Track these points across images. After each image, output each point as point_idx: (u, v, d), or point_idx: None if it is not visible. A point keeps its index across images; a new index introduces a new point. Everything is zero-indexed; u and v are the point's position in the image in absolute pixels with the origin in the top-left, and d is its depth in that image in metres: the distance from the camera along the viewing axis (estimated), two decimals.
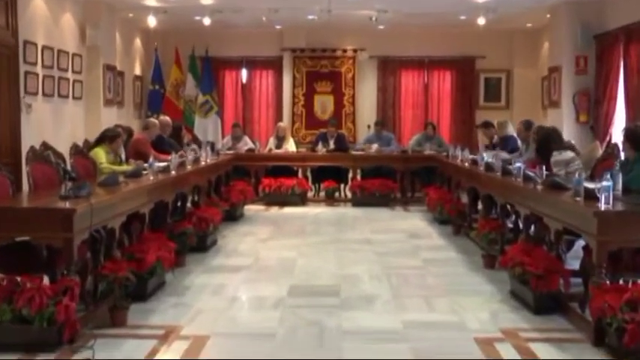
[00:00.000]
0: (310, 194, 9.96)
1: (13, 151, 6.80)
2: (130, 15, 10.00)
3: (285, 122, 11.13)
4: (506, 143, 7.79)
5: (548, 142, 5.47)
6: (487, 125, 8.59)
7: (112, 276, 4.11)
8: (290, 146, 10.19)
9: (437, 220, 7.97)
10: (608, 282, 3.71)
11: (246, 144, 10.12)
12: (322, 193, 9.95)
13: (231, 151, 9.68)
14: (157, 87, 11.22)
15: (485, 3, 9.07)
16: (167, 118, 8.42)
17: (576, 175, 4.18)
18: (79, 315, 3.72)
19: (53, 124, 7.88)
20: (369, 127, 11.01)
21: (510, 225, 5.72)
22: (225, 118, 11.77)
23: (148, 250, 4.59)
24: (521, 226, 5.23)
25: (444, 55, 11.59)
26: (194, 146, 8.23)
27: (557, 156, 5.29)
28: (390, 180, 9.58)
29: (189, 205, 6.77)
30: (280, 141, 10.17)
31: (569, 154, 5.34)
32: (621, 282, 3.85)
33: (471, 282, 5.18)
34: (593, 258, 3.70)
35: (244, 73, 11.83)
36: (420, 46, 11.55)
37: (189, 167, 6.58)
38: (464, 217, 7.23)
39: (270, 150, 10.09)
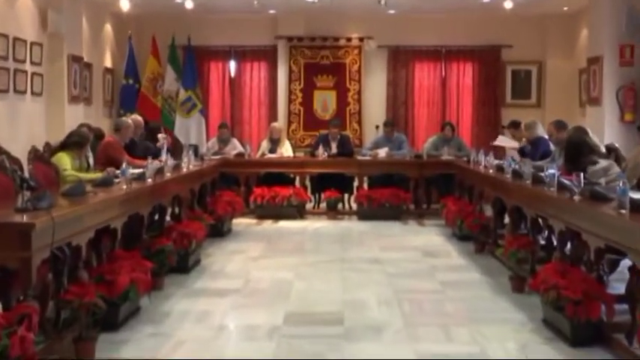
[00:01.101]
0: (309, 206, 9.98)
1: None
2: None
3: (281, 122, 11.16)
4: (536, 147, 7.78)
5: (577, 154, 5.50)
6: (516, 125, 8.60)
7: (78, 301, 4.09)
8: (286, 150, 10.22)
9: (456, 236, 7.98)
10: None
11: (235, 148, 10.14)
12: (323, 205, 9.97)
13: (217, 156, 9.70)
14: (130, 81, 11.27)
15: None
16: (139, 118, 8.43)
17: (620, 184, 4.15)
18: (38, 348, 3.69)
19: (8, 124, 7.87)
20: (377, 127, 11.05)
21: (542, 242, 5.71)
22: (211, 117, 11.82)
23: (119, 271, 4.58)
24: (555, 243, 5.22)
25: (464, 45, 11.65)
26: (164, 147, 8.21)
27: (592, 168, 5.30)
28: (401, 189, 9.60)
29: (168, 218, 6.77)
30: (274, 144, 10.19)
31: (605, 162, 5.35)
32: None
33: (497, 308, 5.18)
34: None
35: (233, 65, 11.89)
36: (436, 34, 11.61)
37: (168, 175, 6.57)
38: (488, 233, 7.23)
39: (263, 155, 10.11)
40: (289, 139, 10.83)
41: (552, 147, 7.42)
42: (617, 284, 4.56)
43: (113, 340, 4.31)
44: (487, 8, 10.59)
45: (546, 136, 7.77)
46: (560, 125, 7.12)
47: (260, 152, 10.22)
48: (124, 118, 7.95)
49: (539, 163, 6.89)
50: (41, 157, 5.84)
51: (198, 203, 7.89)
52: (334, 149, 10.10)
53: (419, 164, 9.76)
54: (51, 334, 4.05)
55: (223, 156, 9.87)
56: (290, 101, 11.75)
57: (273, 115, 11.74)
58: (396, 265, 6.66)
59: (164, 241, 5.92)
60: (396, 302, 5.30)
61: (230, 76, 11.92)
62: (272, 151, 10.13)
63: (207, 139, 11.09)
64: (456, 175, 9.13)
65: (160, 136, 8.68)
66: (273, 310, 5.06)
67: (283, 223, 9.20)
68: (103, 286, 4.39)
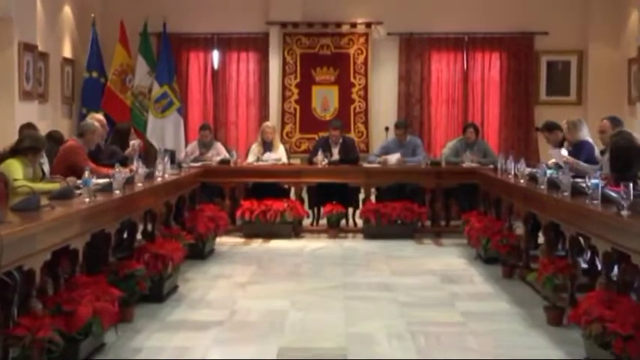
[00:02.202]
0: (306, 222, 10.01)
1: None
2: None
3: (273, 123, 11.10)
4: (577, 151, 7.77)
5: (626, 161, 5.48)
6: (551, 128, 8.56)
7: (30, 337, 4.06)
8: (280, 156, 10.23)
9: (481, 259, 8.00)
10: None
11: (219, 153, 10.17)
12: (323, 221, 9.98)
13: (198, 163, 9.71)
14: (94, 75, 11.29)
15: None
16: (101, 117, 8.40)
17: None
18: None
19: None
20: (387, 130, 10.99)
21: (584, 265, 5.69)
22: (190, 117, 11.85)
23: (80, 300, 4.57)
24: (599, 266, 5.22)
25: (490, 32, 11.67)
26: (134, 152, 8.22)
27: None
28: (415, 203, 9.63)
29: (139, 237, 6.78)
30: (267, 148, 10.22)
31: None
32: None
33: (530, 344, 5.17)
34: None
35: (216, 55, 11.91)
36: (457, 19, 11.64)
37: (139, 185, 6.58)
38: (518, 255, 7.24)
39: (255, 161, 10.14)
40: (283, 143, 10.83)
41: (597, 152, 7.41)
42: None
43: None
44: None
45: (591, 140, 7.75)
46: (617, 122, 7.09)
47: (249, 158, 10.25)
48: (89, 121, 7.93)
49: (583, 165, 6.86)
50: None
51: (174, 219, 7.89)
52: (336, 155, 10.12)
53: (436, 173, 9.76)
54: None
55: (205, 163, 9.88)
56: (284, 99, 11.76)
57: (264, 115, 11.73)
58: (410, 293, 6.66)
59: (134, 264, 5.91)
60: (410, 336, 5.29)
61: (213, 69, 11.93)
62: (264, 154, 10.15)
63: (186, 144, 11.09)
64: (481, 186, 9.13)
65: (133, 142, 8.63)
66: (265, 345, 5.05)
67: (276, 243, 9.21)
68: (60, 318, 4.38)
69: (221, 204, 9.56)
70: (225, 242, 9.05)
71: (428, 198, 9.76)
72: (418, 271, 7.65)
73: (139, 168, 6.85)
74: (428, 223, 9.80)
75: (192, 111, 11.94)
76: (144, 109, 11.49)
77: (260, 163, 10.07)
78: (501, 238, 7.58)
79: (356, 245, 9.22)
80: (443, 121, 11.82)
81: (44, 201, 4.86)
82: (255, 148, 10.29)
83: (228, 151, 10.26)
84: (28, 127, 7.46)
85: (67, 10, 11.11)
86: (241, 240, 9.39)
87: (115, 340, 5.05)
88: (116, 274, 5.58)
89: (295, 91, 11.77)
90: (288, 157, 10.45)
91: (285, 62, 11.73)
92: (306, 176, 9.93)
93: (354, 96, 11.75)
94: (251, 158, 10.21)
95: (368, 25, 11.69)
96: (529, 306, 6.11)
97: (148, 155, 9.74)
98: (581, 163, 7.32)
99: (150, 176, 7.14)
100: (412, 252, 8.78)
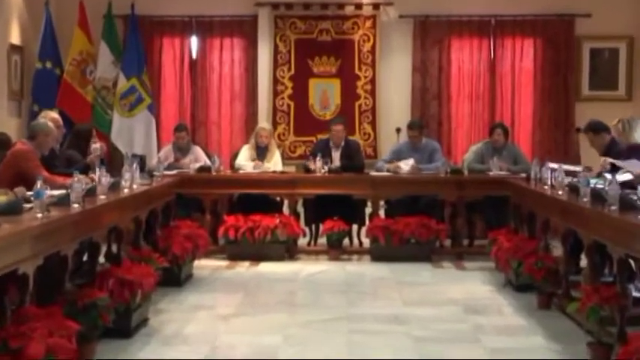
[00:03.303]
0: (302, 242, 10.02)
1: None
2: None
3: (264, 122, 11.10)
4: (633, 156, 7.73)
5: None
6: (597, 129, 8.51)
7: None
8: (275, 164, 10.27)
9: (511, 285, 8.00)
10: None
11: (198, 159, 10.22)
12: (322, 241, 9.98)
13: (173, 171, 9.72)
14: (48, 65, 11.30)
15: None
16: (56, 116, 8.35)
17: None
18: None
19: None
20: (398, 131, 11.08)
21: (636, 294, 5.67)
22: (164, 116, 11.90)
23: (31, 335, 4.54)
24: None
25: (522, 14, 11.71)
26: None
27: None
28: (433, 218, 9.63)
29: (102, 260, 6.76)
30: (260, 155, 10.28)
31: None
32: None
33: None
34: None
35: (195, 42, 11.94)
36: None
37: (102, 198, 6.55)
38: (557, 281, 7.24)
39: (246, 167, 10.18)
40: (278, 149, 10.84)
41: None
42: None
43: None
44: None
45: None
46: None
47: (237, 165, 10.26)
48: (41, 120, 7.87)
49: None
50: None
51: (144, 238, 7.88)
52: (337, 161, 10.15)
53: (458, 183, 9.79)
54: None
55: (181, 171, 9.89)
56: (275, 94, 11.79)
57: (251, 114, 11.78)
58: (426, 326, 6.66)
59: (96, 292, 5.88)
60: None
61: (191, 59, 11.97)
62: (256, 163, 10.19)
63: (159, 148, 11.13)
64: (511, 199, 9.13)
65: (94, 147, 8.60)
66: None
67: (266, 267, 9.21)
68: (6, 356, 4.36)
69: (200, 220, 9.57)
70: (205, 266, 9.04)
71: (448, 213, 9.76)
72: (436, 301, 7.64)
73: (101, 177, 6.77)
74: (448, 242, 9.81)
75: (166, 109, 11.97)
76: (108, 107, 11.51)
77: (247, 171, 10.10)
78: (536, 261, 7.57)
79: (361, 269, 9.23)
80: (465, 120, 11.85)
81: None
82: (244, 153, 10.34)
83: (209, 156, 10.29)
84: None
85: None
86: (224, 263, 9.40)
87: None
88: (74, 304, 5.56)
89: (289, 85, 11.81)
90: (282, 165, 10.48)
91: (276, 50, 11.76)
92: (301, 186, 9.94)
93: (360, 91, 11.78)
94: (243, 161, 10.22)
95: (376, 5, 11.73)
96: (569, 342, 6.10)
97: (113, 162, 9.79)
98: None
99: (115, 187, 7.12)
100: (429, 277, 8.78)
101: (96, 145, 8.63)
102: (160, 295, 7.39)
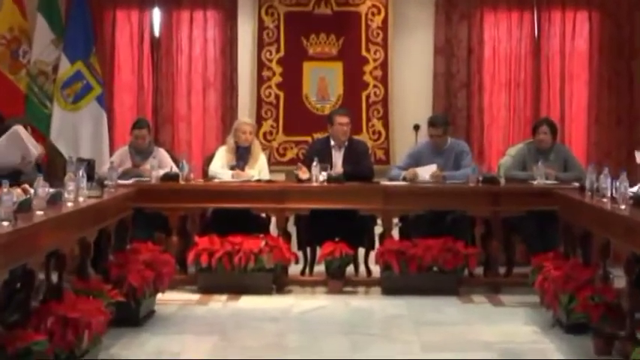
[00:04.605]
0: (295, 270, 10.05)
1: None
2: None
3: (248, 118, 11.12)
4: None
5: None
6: None
7: None
8: (259, 170, 10.31)
9: (561, 325, 7.97)
10: None
11: (162, 164, 10.23)
12: (319, 269, 10.01)
13: (130, 180, 9.81)
14: None
15: None
16: None
17: None
18: None
19: None
20: (417, 129, 11.14)
21: None
22: (118, 110, 11.95)
23: None
24: None
25: None
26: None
27: None
28: (460, 240, 9.63)
29: (39, 293, 6.72)
30: (241, 158, 10.29)
31: None
32: None
33: None
34: None
35: (157, 17, 11.98)
36: None
37: (39, 214, 6.53)
38: (619, 320, 7.18)
39: (222, 175, 10.20)
40: (263, 150, 10.90)
41: None
42: None
43: None
44: None
45: None
46: None
47: (215, 166, 10.26)
48: None
49: None
50: None
51: (93, 266, 7.91)
52: (339, 166, 10.20)
53: (492, 195, 9.80)
54: None
55: (141, 180, 9.94)
56: (261, 81, 11.85)
57: (230, 107, 11.83)
58: None
59: (31, 334, 5.88)
60: None
61: (153, 38, 11.99)
62: (236, 169, 10.21)
63: (112, 150, 11.15)
64: (560, 215, 9.14)
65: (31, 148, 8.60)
66: None
67: (248, 302, 9.23)
68: None
69: (165, 242, 9.61)
70: (171, 300, 9.04)
71: (479, 233, 9.80)
72: (464, 345, 7.64)
73: (38, 187, 6.77)
74: (479, 271, 9.83)
75: (121, 100, 12.00)
76: (46, 98, 11.51)
77: (224, 179, 10.11)
78: (592, 295, 7.57)
79: (370, 305, 9.23)
80: (502, 115, 11.88)
81: None
82: (220, 155, 10.37)
83: (176, 161, 10.33)
84: None
85: None
86: (195, 297, 9.40)
87: None
88: (3, 349, 5.55)
89: (278, 70, 11.87)
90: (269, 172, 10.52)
91: (262, 26, 11.83)
92: (293, 200, 9.92)
93: (368, 78, 11.82)
94: (218, 167, 10.24)
95: None
96: None
97: (53, 168, 9.84)
98: None
99: (55, 200, 7.10)
100: (455, 315, 8.76)
101: (38, 153, 8.67)
102: (113, 338, 7.37)
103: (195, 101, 11.99)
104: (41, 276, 6.81)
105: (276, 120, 11.84)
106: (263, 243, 9.59)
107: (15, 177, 7.80)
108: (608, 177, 7.89)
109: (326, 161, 10.06)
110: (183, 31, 11.99)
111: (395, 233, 9.93)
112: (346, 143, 10.29)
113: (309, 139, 11.24)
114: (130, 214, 9.06)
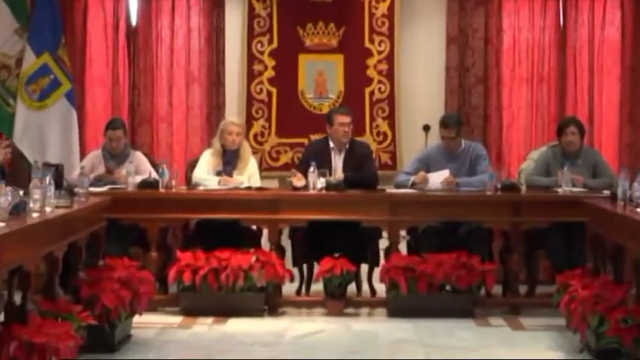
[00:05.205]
0: (289, 289, 10.06)
1: None
2: None
3: (236, 117, 11.12)
4: None
5: None
6: None
7: None
8: (249, 177, 10.34)
9: (589, 350, 7.96)
10: None
11: (139, 170, 10.29)
12: (317, 287, 10.01)
13: (103, 188, 9.85)
14: None
15: None
16: None
17: None
18: None
19: None
20: (427, 130, 11.16)
21: None
22: (90, 108, 12.01)
23: None
24: None
25: None
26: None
27: None
28: (476, 255, 9.63)
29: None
30: (229, 163, 10.33)
31: None
32: None
33: None
34: None
35: (134, 4, 12.03)
36: None
37: (1, 226, 6.48)
38: None
39: (199, 184, 10.24)
40: (254, 154, 10.97)
41: None
42: None
43: None
44: None
45: None
46: None
47: (200, 172, 10.30)
48: None
49: None
50: None
51: (62, 284, 7.94)
52: (339, 172, 10.26)
53: (512, 204, 9.85)
54: None
55: (115, 187, 9.98)
56: (251, 76, 11.91)
57: (216, 106, 11.90)
58: None
59: None
60: None
61: (129, 27, 12.03)
62: (224, 173, 10.25)
63: (83, 154, 11.19)
64: (588, 227, 9.12)
65: None
66: None
67: (237, 325, 9.27)
68: None
69: (143, 258, 9.62)
70: (150, 323, 9.02)
71: (498, 247, 9.85)
72: None
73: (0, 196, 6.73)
74: (498, 290, 9.84)
75: (93, 98, 12.05)
76: (8, 94, 11.54)
77: (209, 187, 10.13)
78: (625, 317, 7.53)
79: (374, 328, 9.24)
80: (523, 114, 11.94)
81: None
82: (208, 160, 10.37)
83: (155, 166, 10.36)
84: None
85: None
86: (177, 319, 9.41)
87: None
88: None
89: (270, 63, 11.94)
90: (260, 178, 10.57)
91: (252, 14, 11.90)
92: (288, 210, 9.93)
93: (372, 72, 11.87)
94: (203, 173, 10.27)
95: None
96: None
97: (16, 173, 9.86)
98: None
99: (19, 210, 7.06)
100: (470, 340, 8.76)
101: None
102: None
103: (177, 99, 12.06)
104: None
105: (269, 120, 11.90)
106: (254, 259, 9.59)
107: None
108: None
109: (324, 166, 10.06)
110: (163, 20, 12.05)
111: (402, 247, 9.96)
112: (347, 146, 10.31)
113: (305, 141, 11.30)
114: (104, 225, 9.05)
